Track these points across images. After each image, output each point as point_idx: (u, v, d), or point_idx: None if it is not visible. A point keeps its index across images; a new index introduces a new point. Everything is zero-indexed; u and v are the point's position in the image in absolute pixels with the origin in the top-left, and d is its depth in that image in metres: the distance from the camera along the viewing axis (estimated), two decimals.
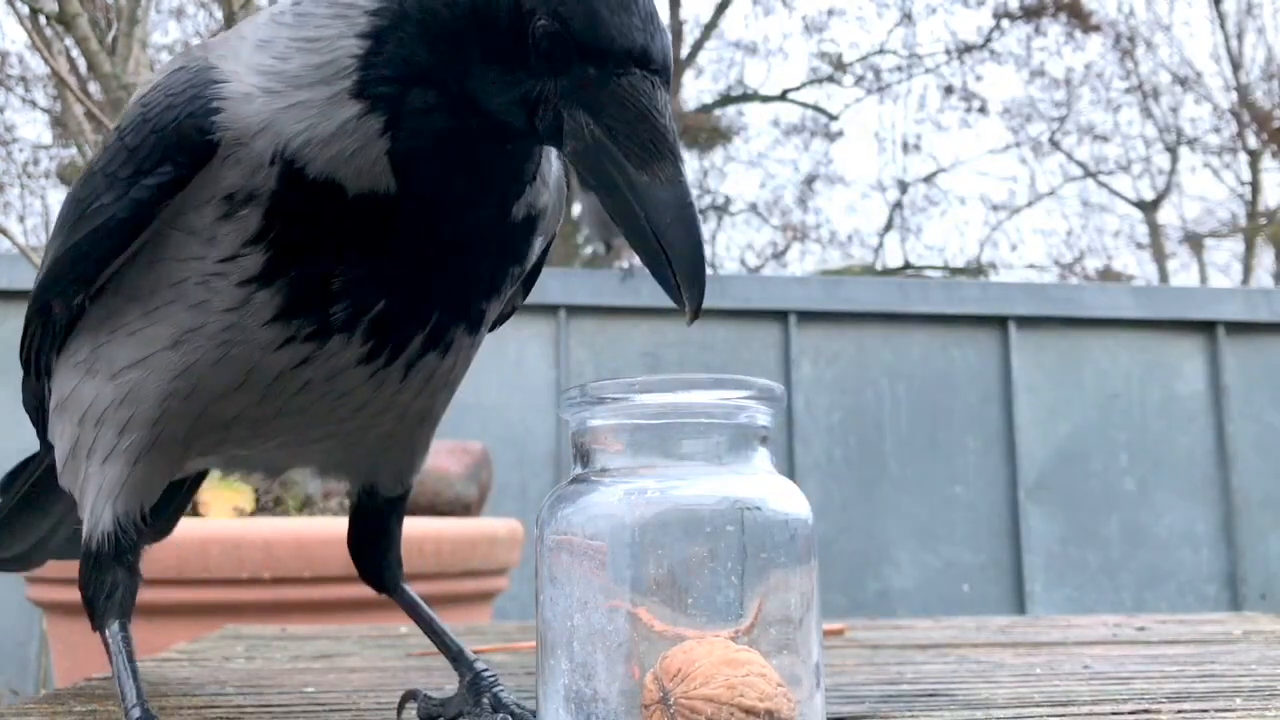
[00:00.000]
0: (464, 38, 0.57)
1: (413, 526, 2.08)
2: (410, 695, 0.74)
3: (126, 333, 0.65)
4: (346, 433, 0.71)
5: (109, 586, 0.68)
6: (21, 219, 8.55)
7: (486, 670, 0.73)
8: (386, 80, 0.59)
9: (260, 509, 2.07)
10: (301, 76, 0.60)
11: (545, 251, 0.74)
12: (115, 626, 0.67)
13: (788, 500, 0.54)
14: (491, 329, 0.75)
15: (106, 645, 0.67)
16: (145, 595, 1.67)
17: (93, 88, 2.38)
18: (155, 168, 0.60)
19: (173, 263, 0.62)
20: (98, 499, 0.67)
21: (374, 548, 0.79)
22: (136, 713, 0.64)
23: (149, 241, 0.62)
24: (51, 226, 0.70)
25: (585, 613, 0.51)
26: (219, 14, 2.08)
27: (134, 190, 0.60)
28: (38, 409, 0.77)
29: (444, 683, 0.87)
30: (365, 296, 0.62)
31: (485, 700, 0.71)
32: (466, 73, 0.58)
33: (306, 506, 2.14)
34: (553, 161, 0.69)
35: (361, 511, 0.78)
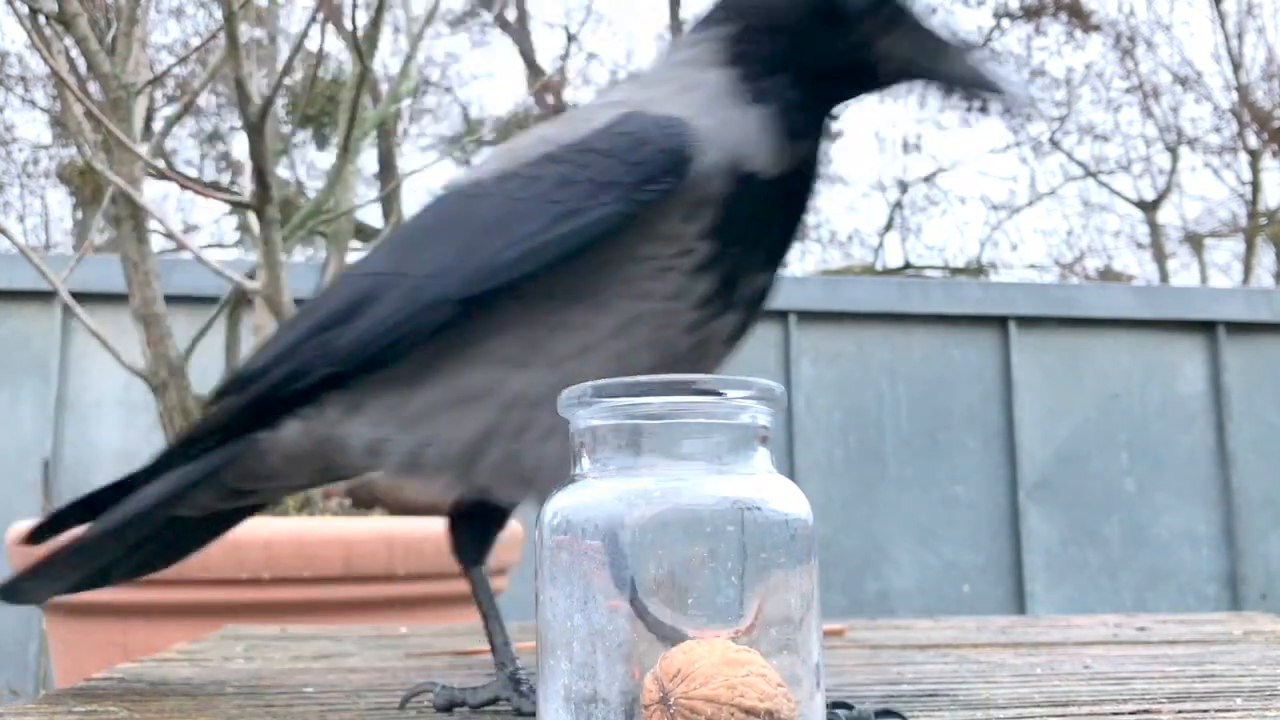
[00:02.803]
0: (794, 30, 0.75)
1: (413, 526, 2.09)
2: (422, 688, 0.74)
3: (570, 327, 0.74)
4: None
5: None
6: (21, 219, 8.55)
7: (526, 670, 0.74)
8: (755, 80, 0.75)
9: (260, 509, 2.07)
10: (708, 103, 0.74)
11: None
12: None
13: (788, 500, 0.54)
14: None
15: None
16: (145, 595, 1.68)
17: (92, 88, 2.37)
18: (658, 178, 0.72)
19: (627, 261, 0.73)
20: (539, 469, 0.75)
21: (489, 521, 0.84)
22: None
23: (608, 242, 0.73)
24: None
25: (585, 613, 0.51)
26: (219, 14, 2.08)
27: (637, 193, 0.71)
28: (267, 408, 0.80)
29: (443, 683, 0.87)
30: (754, 276, 0.76)
31: (525, 689, 0.73)
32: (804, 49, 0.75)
33: (306, 506, 2.14)
34: None
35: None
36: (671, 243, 0.73)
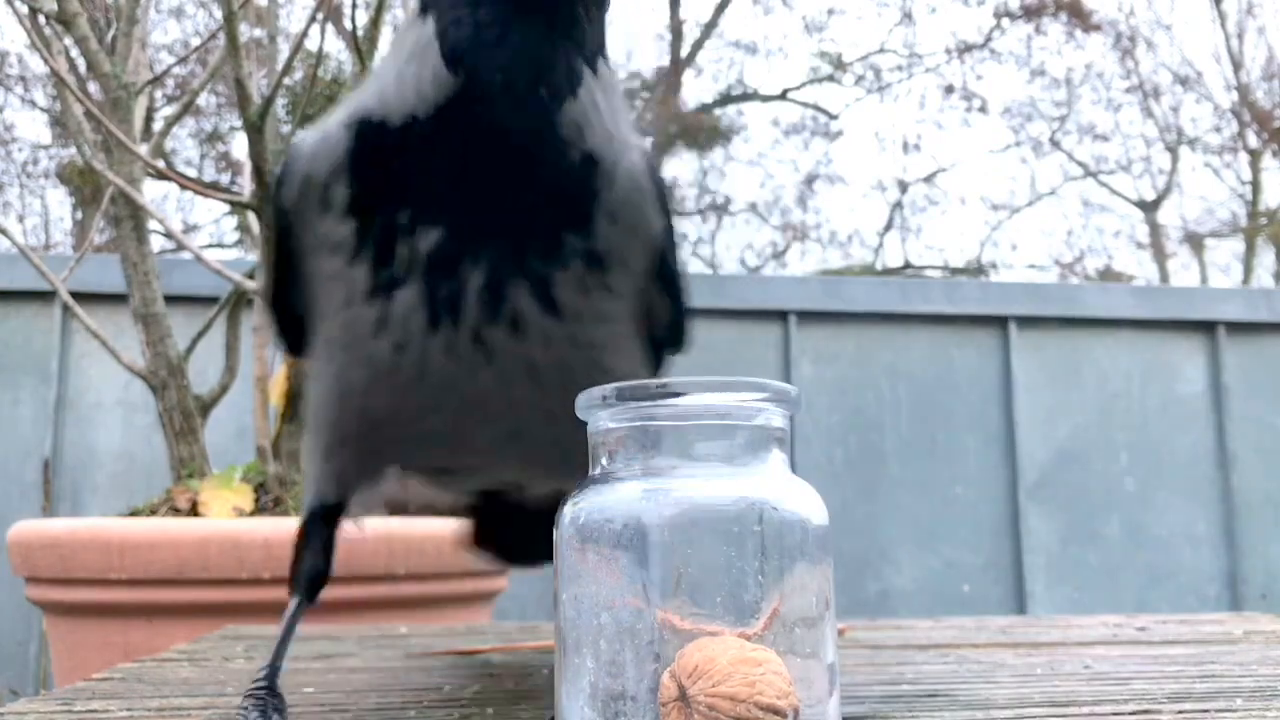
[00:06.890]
0: None
1: (413, 526, 2.08)
2: None
3: (315, 350, 0.70)
4: (505, 433, 0.68)
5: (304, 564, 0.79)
6: (21, 219, 8.54)
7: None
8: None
9: (260, 509, 2.07)
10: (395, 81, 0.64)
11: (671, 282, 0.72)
12: (294, 601, 0.77)
13: (803, 501, 0.54)
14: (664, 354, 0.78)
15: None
16: (145, 595, 1.69)
17: (92, 88, 2.37)
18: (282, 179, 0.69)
19: (319, 278, 0.66)
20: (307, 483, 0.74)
21: None
22: (263, 674, 0.70)
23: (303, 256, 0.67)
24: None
25: (611, 611, 0.51)
26: (219, 14, 2.08)
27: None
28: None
29: (443, 683, 0.87)
30: (421, 234, 0.61)
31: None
32: None
33: None
34: (629, 149, 0.65)
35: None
36: (332, 244, 0.64)
